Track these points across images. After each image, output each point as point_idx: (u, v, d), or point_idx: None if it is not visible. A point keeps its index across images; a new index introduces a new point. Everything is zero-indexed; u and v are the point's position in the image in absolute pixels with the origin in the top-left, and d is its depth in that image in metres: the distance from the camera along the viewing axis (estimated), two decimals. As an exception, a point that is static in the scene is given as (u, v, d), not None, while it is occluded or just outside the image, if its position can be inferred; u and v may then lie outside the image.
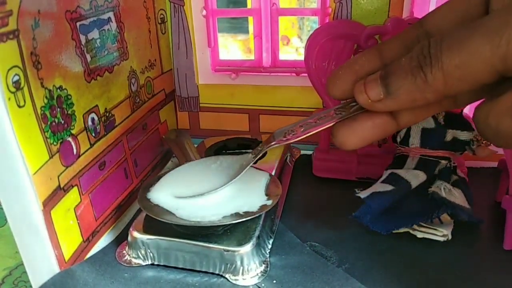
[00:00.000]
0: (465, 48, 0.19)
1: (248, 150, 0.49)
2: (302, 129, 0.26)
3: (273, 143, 0.28)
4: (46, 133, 0.31)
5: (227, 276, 0.34)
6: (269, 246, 0.37)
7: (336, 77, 0.25)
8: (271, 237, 0.38)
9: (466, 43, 0.19)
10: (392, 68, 0.22)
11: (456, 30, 0.19)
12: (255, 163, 0.34)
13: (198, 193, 0.34)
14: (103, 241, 0.39)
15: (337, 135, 0.25)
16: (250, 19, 0.58)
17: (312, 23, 0.92)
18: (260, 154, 0.32)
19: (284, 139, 0.27)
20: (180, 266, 0.35)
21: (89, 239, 0.37)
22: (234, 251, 0.33)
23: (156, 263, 0.35)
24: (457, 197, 0.37)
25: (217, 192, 0.34)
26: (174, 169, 0.38)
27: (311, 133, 0.26)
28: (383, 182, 0.39)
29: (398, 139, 0.41)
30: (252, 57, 0.54)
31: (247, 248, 0.33)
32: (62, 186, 0.34)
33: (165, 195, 0.36)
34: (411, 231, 0.37)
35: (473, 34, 0.19)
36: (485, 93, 0.21)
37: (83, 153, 0.36)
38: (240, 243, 0.33)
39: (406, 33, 0.24)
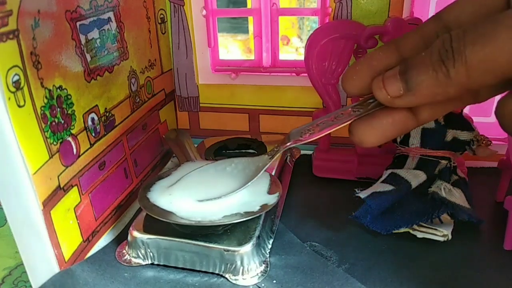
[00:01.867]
0: (490, 41, 0.18)
1: (249, 150, 0.49)
2: (319, 128, 0.26)
3: (289, 143, 0.28)
4: (46, 133, 0.31)
5: (227, 276, 0.34)
6: (269, 246, 0.37)
7: (353, 72, 0.24)
8: (271, 237, 0.38)
9: (491, 36, 0.18)
10: (412, 63, 0.21)
11: (480, 23, 0.19)
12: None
13: (217, 195, 0.34)
14: (103, 241, 0.39)
15: (355, 133, 0.24)
16: (250, 19, 0.58)
17: (312, 23, 0.92)
18: (277, 155, 0.32)
19: (301, 138, 0.27)
20: (180, 266, 0.35)
21: (89, 239, 0.37)
22: (234, 251, 0.33)
23: (156, 262, 0.35)
24: (457, 197, 0.37)
25: (235, 194, 0.34)
26: (189, 173, 0.38)
27: (328, 132, 0.25)
28: (383, 182, 0.39)
29: (398, 139, 0.41)
30: (252, 57, 0.54)
31: (247, 248, 0.33)
32: (62, 186, 0.34)
33: (185, 199, 0.35)
34: (411, 231, 0.37)
35: (498, 27, 0.18)
36: (509, 86, 0.21)
37: (83, 153, 0.36)
38: (240, 243, 0.33)
39: (424, 27, 0.24)
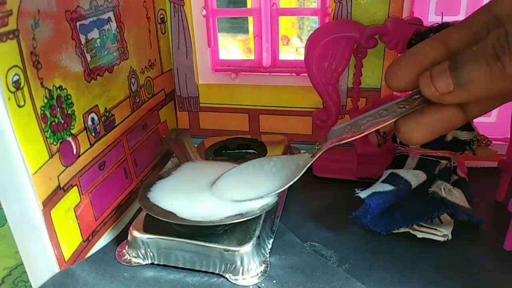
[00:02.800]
0: None
1: (249, 150, 0.49)
2: (363, 126, 0.25)
3: (331, 141, 0.27)
4: (46, 133, 0.31)
5: (227, 276, 0.34)
6: (269, 246, 0.37)
7: (397, 67, 0.23)
8: (271, 237, 0.38)
9: None
10: (463, 58, 0.20)
11: None
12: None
13: (259, 195, 0.34)
14: (103, 241, 0.39)
15: (403, 130, 0.23)
16: (250, 19, 0.58)
17: (312, 23, 0.92)
18: (320, 153, 0.30)
19: (344, 136, 0.26)
20: (180, 266, 0.35)
21: (89, 239, 0.37)
22: (234, 251, 0.33)
23: (156, 262, 0.35)
24: (457, 197, 0.37)
25: (277, 193, 0.33)
26: (225, 173, 0.37)
27: (373, 130, 0.25)
28: (383, 182, 0.39)
29: (398, 139, 0.41)
30: (252, 57, 0.54)
31: (247, 248, 0.33)
32: (62, 186, 0.34)
33: (223, 199, 0.35)
34: (411, 231, 0.37)
35: None
36: None
37: (83, 153, 0.36)
38: (240, 243, 0.33)
39: (472, 19, 0.22)
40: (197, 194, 0.36)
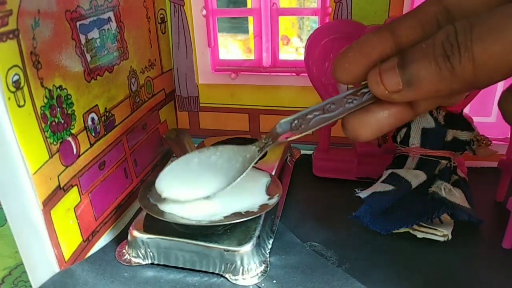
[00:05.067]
0: (502, 37, 0.17)
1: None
2: (311, 122, 0.24)
3: (280, 138, 0.26)
4: (46, 133, 0.31)
5: (227, 276, 0.34)
6: (269, 246, 0.37)
7: (345, 60, 0.22)
8: (271, 237, 0.38)
9: (502, 31, 0.17)
10: (412, 56, 0.20)
11: (488, 16, 0.18)
12: (261, 158, 0.31)
13: (204, 194, 0.33)
14: (103, 241, 0.39)
15: (349, 128, 0.23)
16: (250, 19, 0.58)
17: (312, 23, 0.92)
18: (267, 149, 0.29)
19: (293, 133, 0.25)
20: (180, 266, 0.35)
21: (89, 239, 0.37)
22: (234, 251, 0.33)
23: (156, 262, 0.35)
24: (457, 197, 0.37)
25: (224, 190, 0.32)
26: (171, 164, 0.35)
27: (320, 127, 0.24)
28: (383, 182, 0.39)
29: (398, 139, 0.41)
30: (252, 57, 0.54)
31: (247, 248, 0.33)
32: (62, 185, 0.34)
33: (175, 194, 0.34)
34: (411, 231, 0.37)
35: (510, 21, 0.17)
36: None
37: (83, 152, 0.36)
38: (240, 243, 0.33)
39: (422, 9, 0.21)
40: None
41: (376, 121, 0.22)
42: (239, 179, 0.31)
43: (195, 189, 0.33)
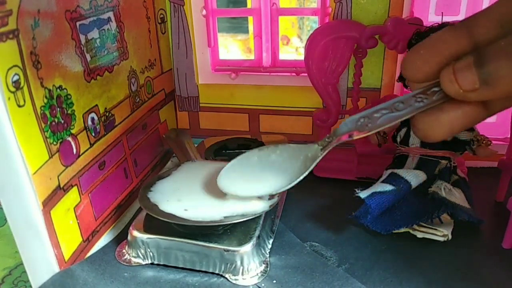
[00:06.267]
0: None
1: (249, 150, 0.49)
2: (379, 120, 0.23)
3: (344, 135, 0.25)
4: (46, 133, 0.31)
5: (227, 276, 0.34)
6: (269, 246, 0.37)
7: (416, 57, 0.21)
8: (271, 237, 0.38)
9: None
10: (490, 53, 0.19)
11: None
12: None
13: (265, 192, 0.33)
14: (103, 241, 0.39)
15: (421, 127, 0.22)
16: (250, 19, 0.58)
17: (312, 23, 0.92)
18: (331, 147, 0.28)
19: (359, 132, 0.24)
20: (180, 266, 0.35)
21: (88, 239, 0.37)
22: (234, 251, 0.33)
23: (156, 262, 0.35)
24: (457, 197, 0.37)
25: (287, 187, 0.31)
26: (229, 163, 0.34)
27: (389, 125, 0.23)
28: (383, 182, 0.39)
29: (398, 139, 0.41)
30: (252, 57, 0.54)
31: (247, 248, 0.33)
32: (62, 186, 0.34)
33: (234, 190, 0.33)
34: (411, 231, 0.37)
35: None
36: None
37: (83, 152, 0.36)
38: (240, 243, 0.33)
39: (499, 7, 0.20)
40: (197, 194, 0.36)
41: (449, 121, 0.21)
42: (301, 177, 0.30)
43: (257, 186, 0.33)
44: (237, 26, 0.94)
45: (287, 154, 0.32)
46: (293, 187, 0.31)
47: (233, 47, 0.91)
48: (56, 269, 0.34)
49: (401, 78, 0.42)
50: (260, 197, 0.34)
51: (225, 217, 0.33)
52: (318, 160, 0.29)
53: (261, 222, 0.35)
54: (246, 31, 0.93)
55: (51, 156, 0.32)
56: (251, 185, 0.33)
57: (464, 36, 0.21)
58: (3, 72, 0.27)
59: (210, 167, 0.41)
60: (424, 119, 0.22)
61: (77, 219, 0.36)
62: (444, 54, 0.21)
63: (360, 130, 0.24)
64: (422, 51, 0.21)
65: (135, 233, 0.35)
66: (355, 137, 0.25)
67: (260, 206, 0.34)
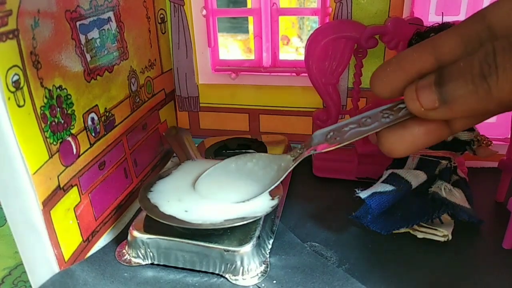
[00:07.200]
0: None
1: (249, 150, 0.49)
2: (346, 135, 0.24)
3: (312, 148, 0.27)
4: (45, 133, 0.31)
5: (227, 276, 0.34)
6: (269, 246, 0.37)
7: (383, 74, 0.22)
8: (271, 237, 0.38)
9: None
10: (449, 74, 0.19)
11: None
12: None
13: (239, 199, 0.34)
14: (103, 241, 0.39)
15: (384, 142, 0.23)
16: (250, 19, 0.58)
17: (312, 23, 0.93)
18: (301, 159, 0.30)
19: (328, 144, 0.25)
20: (180, 266, 0.35)
21: (88, 239, 0.37)
22: (234, 251, 0.33)
23: (156, 262, 0.35)
24: (458, 197, 0.37)
25: (260, 197, 0.33)
26: (207, 170, 0.37)
27: (355, 139, 0.24)
28: (383, 182, 0.39)
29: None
30: (252, 57, 0.54)
31: (247, 248, 0.33)
32: (61, 186, 0.33)
33: (210, 196, 0.35)
34: (411, 232, 0.37)
35: None
36: None
37: (83, 152, 0.36)
38: (241, 243, 0.33)
39: (464, 26, 0.21)
40: (197, 194, 0.36)
41: (412, 137, 0.22)
42: (273, 187, 0.32)
43: (231, 193, 0.35)
44: (237, 26, 0.94)
45: (262, 163, 0.34)
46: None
47: (233, 47, 0.91)
48: (56, 269, 0.34)
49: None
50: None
51: (225, 220, 0.33)
52: (289, 170, 0.31)
53: (261, 222, 0.35)
54: (246, 31, 0.93)
55: (51, 156, 0.32)
56: (227, 192, 0.35)
57: (429, 54, 0.21)
58: (3, 72, 0.27)
59: (211, 166, 0.41)
60: (388, 135, 0.23)
61: (77, 219, 0.36)
62: (410, 72, 0.21)
63: (330, 143, 0.25)
64: (389, 69, 0.22)
65: (135, 233, 0.35)
66: (325, 150, 0.26)
67: (261, 209, 0.34)
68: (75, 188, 0.35)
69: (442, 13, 0.43)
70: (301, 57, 0.46)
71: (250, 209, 0.34)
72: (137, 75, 0.46)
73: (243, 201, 0.34)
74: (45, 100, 0.31)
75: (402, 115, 0.22)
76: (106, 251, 0.37)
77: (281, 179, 0.32)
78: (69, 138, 0.34)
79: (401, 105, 0.22)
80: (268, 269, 0.34)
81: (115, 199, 0.42)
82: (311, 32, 0.44)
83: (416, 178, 0.38)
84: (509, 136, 0.42)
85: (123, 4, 0.42)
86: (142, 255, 0.35)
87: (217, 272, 0.34)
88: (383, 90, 0.22)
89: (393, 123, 0.23)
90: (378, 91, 0.23)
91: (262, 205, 0.35)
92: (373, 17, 0.46)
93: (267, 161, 0.34)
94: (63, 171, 0.34)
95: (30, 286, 0.34)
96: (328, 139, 0.25)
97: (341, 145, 0.25)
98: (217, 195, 0.35)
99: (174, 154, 0.53)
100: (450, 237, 0.36)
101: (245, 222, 0.33)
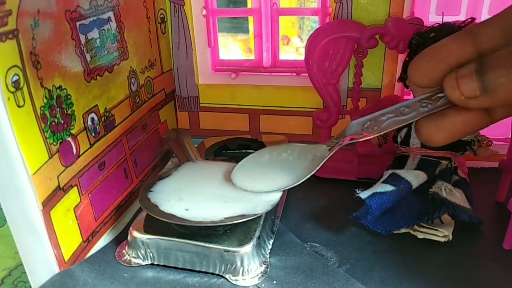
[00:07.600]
0: None
1: (249, 150, 0.49)
2: (384, 124, 0.24)
3: (349, 137, 0.26)
4: (45, 133, 0.31)
5: (227, 276, 0.34)
6: (269, 247, 0.37)
7: (422, 63, 0.22)
8: (271, 238, 0.38)
9: None
10: (491, 62, 0.19)
11: None
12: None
13: (274, 188, 0.34)
14: (103, 241, 0.39)
15: (423, 131, 0.23)
16: (250, 19, 0.58)
17: (312, 23, 0.93)
18: (338, 148, 0.29)
19: (364, 134, 0.25)
20: (180, 266, 0.35)
21: (88, 239, 0.37)
22: (234, 252, 0.33)
23: (156, 263, 0.35)
24: (458, 197, 0.37)
25: (296, 184, 0.33)
26: (243, 160, 0.36)
27: (394, 128, 0.24)
28: (383, 182, 0.39)
29: (399, 139, 0.41)
30: (252, 57, 0.54)
31: (248, 248, 0.33)
32: (61, 186, 0.33)
33: (245, 186, 0.35)
34: (411, 232, 0.37)
35: None
36: None
37: (83, 153, 0.36)
38: (241, 244, 0.33)
39: (504, 16, 0.21)
40: (198, 195, 0.36)
41: (451, 126, 0.22)
42: (308, 175, 0.32)
43: (266, 183, 0.34)
44: (238, 26, 0.94)
45: (297, 154, 0.34)
46: (296, 186, 0.33)
47: (233, 47, 0.91)
48: (56, 269, 0.34)
49: (402, 78, 0.42)
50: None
51: (225, 217, 0.33)
52: (325, 160, 0.31)
53: (261, 222, 0.35)
54: (246, 31, 0.93)
55: (51, 157, 0.32)
56: (261, 182, 0.35)
57: (468, 44, 0.21)
58: (2, 72, 0.27)
59: (211, 167, 0.41)
60: (427, 124, 0.23)
61: (77, 220, 0.36)
62: (449, 61, 0.21)
63: (368, 132, 0.25)
64: (428, 58, 0.22)
65: (135, 234, 0.35)
66: (362, 139, 0.26)
67: (261, 207, 0.34)
68: (75, 189, 0.35)
69: (443, 13, 0.43)
70: (301, 57, 0.46)
71: (250, 207, 0.34)
72: (137, 75, 0.46)
73: (281, 190, 0.33)
74: (45, 100, 0.31)
75: (441, 104, 0.22)
76: (106, 251, 0.37)
77: (317, 168, 0.31)
78: (69, 138, 0.34)
79: (440, 94, 0.22)
80: (268, 269, 0.34)
81: (115, 199, 0.42)
82: (311, 32, 0.44)
83: (416, 178, 0.38)
84: (510, 136, 0.41)
85: (123, 4, 0.42)
86: (142, 256, 0.35)
87: (217, 272, 0.34)
88: (421, 79, 0.22)
89: (431, 112, 0.22)
90: (416, 80, 0.22)
91: (261, 203, 0.35)
92: (373, 17, 0.46)
93: (302, 151, 0.34)
94: (63, 172, 0.34)
95: (30, 286, 0.34)
96: (365, 128, 0.25)
97: (379, 134, 0.25)
98: (252, 184, 0.35)
99: (174, 155, 0.53)
100: (451, 238, 0.36)
101: (245, 220, 0.33)
